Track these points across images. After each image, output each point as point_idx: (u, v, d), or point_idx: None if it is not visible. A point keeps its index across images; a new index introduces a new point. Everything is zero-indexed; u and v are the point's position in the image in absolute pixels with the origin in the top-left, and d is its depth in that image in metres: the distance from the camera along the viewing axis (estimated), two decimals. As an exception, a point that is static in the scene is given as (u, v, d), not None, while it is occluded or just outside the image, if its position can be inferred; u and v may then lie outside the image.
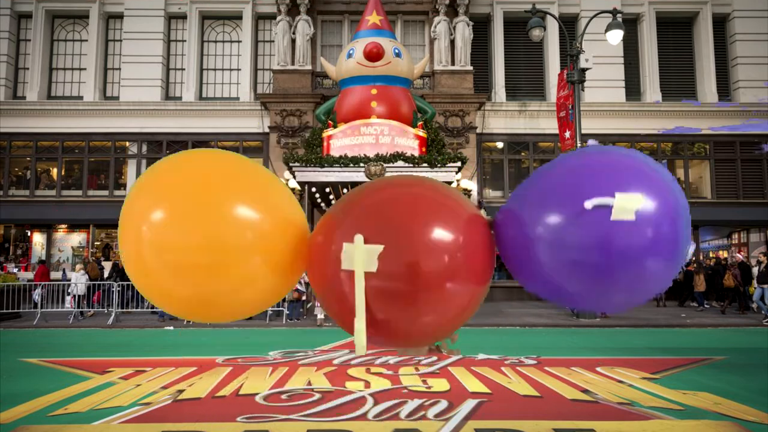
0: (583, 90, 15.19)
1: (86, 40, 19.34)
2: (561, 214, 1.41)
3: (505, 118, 18.61)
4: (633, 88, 19.14)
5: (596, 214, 1.35)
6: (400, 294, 1.48)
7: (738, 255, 16.57)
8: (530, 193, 1.58)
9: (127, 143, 18.88)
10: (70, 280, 14.15)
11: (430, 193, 1.62)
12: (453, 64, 18.31)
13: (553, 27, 18.47)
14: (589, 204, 1.34)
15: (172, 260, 1.43)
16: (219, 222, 1.46)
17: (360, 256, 1.41)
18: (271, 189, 1.66)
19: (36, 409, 5.20)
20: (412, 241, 1.48)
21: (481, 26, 19.25)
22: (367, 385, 6.09)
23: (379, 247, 1.41)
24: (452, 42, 18.36)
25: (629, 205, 1.31)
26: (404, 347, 1.79)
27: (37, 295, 13.47)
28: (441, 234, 1.50)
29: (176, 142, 18.66)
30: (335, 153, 13.35)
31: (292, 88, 18.21)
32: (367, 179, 12.79)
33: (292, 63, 18.33)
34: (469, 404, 5.26)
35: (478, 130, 18.33)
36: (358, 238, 1.42)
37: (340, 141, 13.57)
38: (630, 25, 18.56)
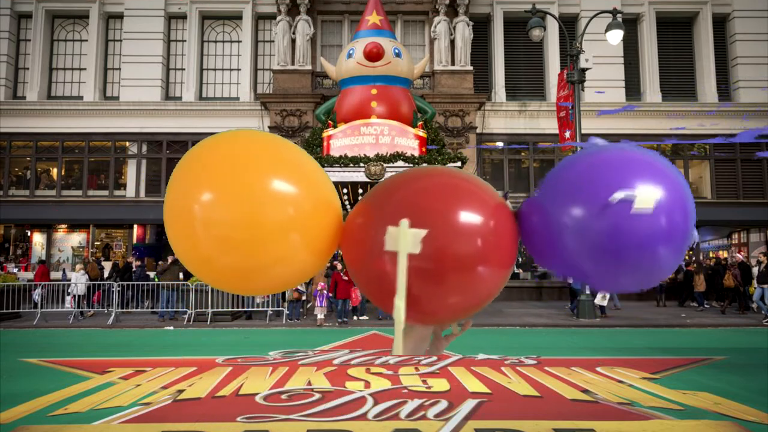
0: (583, 90, 15.19)
1: (86, 40, 19.34)
2: (582, 204, 1.57)
3: (505, 118, 18.61)
4: (633, 88, 19.14)
5: (614, 205, 1.50)
6: (435, 274, 1.60)
7: (738, 255, 16.57)
8: (553, 185, 1.74)
9: (127, 143, 18.88)
10: (70, 280, 14.15)
11: (465, 183, 1.77)
12: (453, 64, 18.31)
13: (553, 27, 18.47)
14: (617, 196, 1.48)
15: (219, 234, 1.53)
16: (263, 198, 1.56)
17: (405, 239, 1.52)
18: (311, 170, 1.75)
19: (36, 409, 5.20)
20: (451, 225, 1.61)
21: (481, 26, 19.25)
22: (367, 385, 6.08)
23: (423, 231, 1.52)
24: (452, 42, 18.35)
25: (649, 197, 1.44)
26: (433, 324, 1.92)
27: (37, 295, 13.47)
28: (476, 220, 1.65)
29: (176, 142, 18.66)
30: (335, 153, 13.35)
31: (292, 88, 18.21)
32: (367, 179, 12.80)
33: (292, 63, 18.33)
34: (469, 404, 5.26)
35: (478, 130, 18.32)
36: (404, 222, 1.53)
37: (340, 141, 13.58)
38: (630, 25, 18.56)
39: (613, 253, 1.49)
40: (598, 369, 6.94)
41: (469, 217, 1.64)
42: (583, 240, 1.53)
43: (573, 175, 1.64)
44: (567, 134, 15.21)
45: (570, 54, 14.29)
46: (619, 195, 1.45)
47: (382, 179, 1.80)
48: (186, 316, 13.23)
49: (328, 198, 1.78)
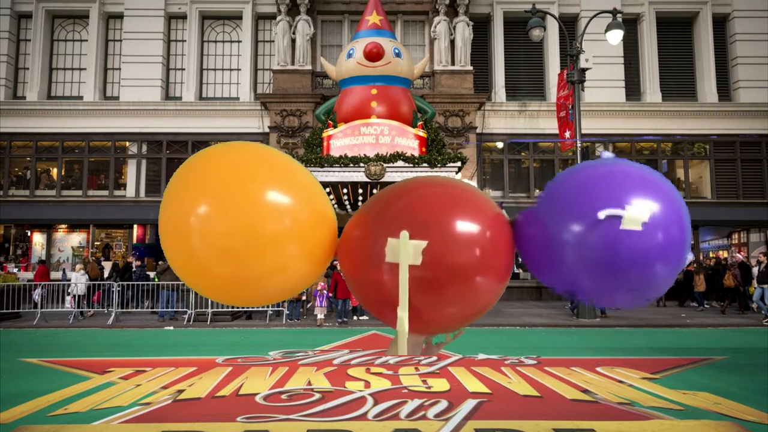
0: (583, 90, 15.19)
1: (86, 40, 19.34)
2: (579, 219, 1.55)
3: (505, 118, 18.61)
4: (633, 88, 19.14)
5: (605, 221, 1.48)
6: (434, 283, 1.60)
7: (738, 255, 16.57)
8: (551, 198, 1.71)
9: (127, 143, 18.88)
10: (70, 280, 14.15)
11: (460, 192, 1.75)
12: (453, 64, 18.31)
13: (553, 27, 18.47)
14: (602, 214, 1.46)
15: (217, 244, 1.57)
16: (260, 209, 1.61)
17: (406, 251, 1.52)
18: (306, 181, 1.76)
19: (36, 409, 5.20)
20: (450, 236, 1.60)
21: (481, 26, 19.24)
22: (367, 385, 6.08)
23: (423, 243, 1.52)
24: (452, 42, 18.35)
25: (637, 217, 1.43)
26: (427, 334, 1.91)
27: (37, 295, 13.47)
28: (474, 230, 1.63)
29: (176, 142, 18.66)
30: (335, 153, 13.35)
31: (292, 88, 18.21)
32: (367, 179, 12.79)
33: (292, 63, 18.33)
34: (469, 404, 5.26)
35: (478, 130, 18.33)
36: (404, 234, 1.53)
37: (340, 141, 13.57)
38: (630, 25, 18.56)
39: (610, 269, 1.49)
40: (598, 369, 6.94)
41: (467, 227, 1.61)
42: (579, 254, 1.54)
43: (570, 189, 1.64)
44: (567, 134, 15.21)
45: (570, 54, 14.28)
46: (605, 213, 1.43)
47: (378, 187, 1.78)
48: (186, 316, 13.23)
49: (323, 209, 1.78)
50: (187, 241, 1.58)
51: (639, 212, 1.41)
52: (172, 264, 1.67)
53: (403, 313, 1.50)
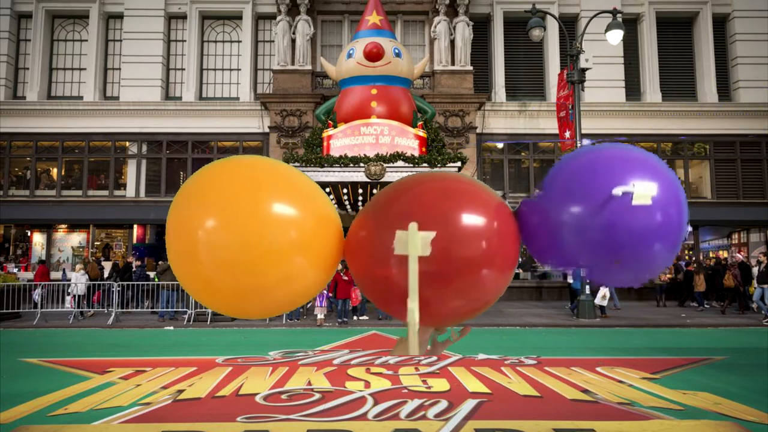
0: (583, 90, 15.18)
1: (86, 40, 19.34)
2: (584, 201, 1.63)
3: (505, 118, 18.61)
4: (633, 88, 19.14)
5: (612, 201, 1.56)
6: (443, 276, 1.62)
7: (738, 255, 16.57)
8: (553, 184, 1.78)
9: (127, 143, 18.88)
10: (70, 280, 14.15)
11: (465, 186, 1.77)
12: (453, 64, 18.31)
13: (553, 27, 18.47)
14: (618, 191, 1.55)
15: (226, 258, 1.61)
16: (266, 222, 1.62)
17: (415, 242, 1.53)
18: (309, 190, 1.77)
19: (36, 409, 5.20)
20: (456, 229, 1.62)
21: (481, 26, 19.24)
22: (367, 385, 6.09)
23: (432, 234, 1.53)
24: (452, 42, 18.35)
25: (647, 192, 1.51)
26: (434, 326, 1.93)
27: (37, 295, 13.47)
28: (480, 222, 1.65)
29: (176, 142, 18.66)
30: (335, 153, 13.35)
31: (292, 88, 18.21)
32: (367, 179, 12.79)
33: (292, 63, 18.33)
34: (469, 404, 5.26)
35: (478, 130, 18.33)
36: (413, 225, 1.54)
37: (340, 141, 13.57)
38: (630, 25, 18.56)
39: (611, 249, 1.54)
40: (598, 369, 6.94)
41: (472, 219, 1.62)
42: (584, 236, 1.57)
43: (571, 174, 1.69)
44: (567, 134, 15.21)
45: (570, 54, 14.28)
46: (620, 190, 1.50)
47: (378, 187, 1.80)
48: (186, 316, 13.23)
49: (327, 214, 1.79)
50: (194, 254, 1.60)
51: (647, 187, 1.49)
52: (179, 278, 1.68)
53: (413, 305, 1.51)
